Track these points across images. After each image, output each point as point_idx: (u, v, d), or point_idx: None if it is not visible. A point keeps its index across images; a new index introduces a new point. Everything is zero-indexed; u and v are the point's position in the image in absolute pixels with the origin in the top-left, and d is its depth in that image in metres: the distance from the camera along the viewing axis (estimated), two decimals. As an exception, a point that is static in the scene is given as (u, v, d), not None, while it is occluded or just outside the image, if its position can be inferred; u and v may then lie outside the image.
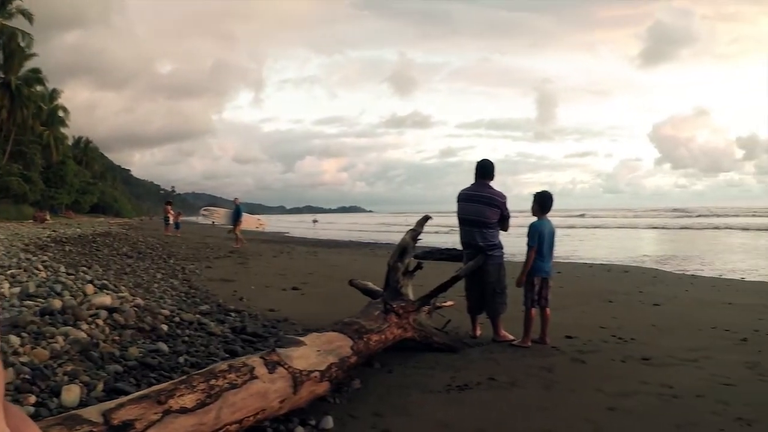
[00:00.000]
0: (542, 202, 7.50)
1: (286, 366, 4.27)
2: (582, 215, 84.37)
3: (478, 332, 7.79)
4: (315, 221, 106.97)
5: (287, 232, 59.60)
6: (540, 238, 7.33)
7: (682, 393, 5.25)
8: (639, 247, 29.82)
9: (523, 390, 5.47)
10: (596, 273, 16.96)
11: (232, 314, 8.84)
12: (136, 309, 7.24)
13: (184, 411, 3.24)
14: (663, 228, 52.33)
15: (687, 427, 4.45)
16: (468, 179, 7.85)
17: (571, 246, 29.95)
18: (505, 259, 7.84)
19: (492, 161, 7.79)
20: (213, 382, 3.58)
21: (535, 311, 7.34)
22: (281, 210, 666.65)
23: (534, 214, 7.51)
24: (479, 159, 7.95)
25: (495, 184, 7.73)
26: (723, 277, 16.07)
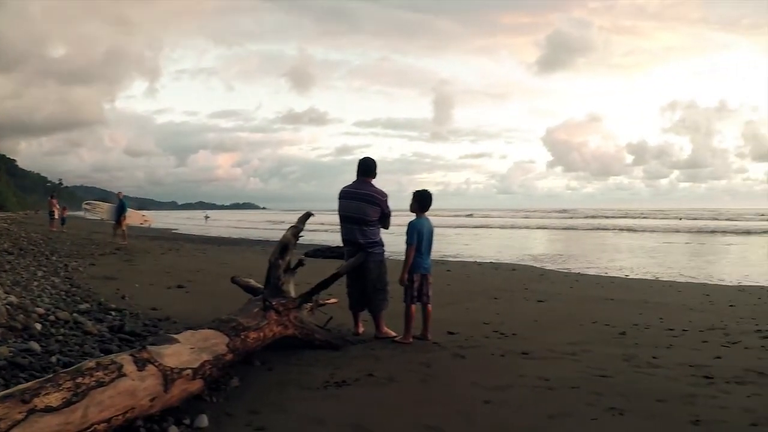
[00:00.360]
0: (422, 200, 7.56)
1: (156, 363, 4.07)
2: (470, 215, 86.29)
3: (361, 329, 7.75)
4: (207, 217, 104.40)
5: (176, 229, 57.93)
6: (419, 236, 7.37)
7: (558, 385, 5.35)
8: (527, 247, 30.79)
9: (401, 385, 5.45)
10: (485, 271, 17.34)
11: (112, 313, 8.51)
12: (8, 307, 6.85)
13: (49, 410, 3.14)
14: (552, 228, 54.25)
15: (560, 418, 4.50)
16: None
17: (461, 245, 30.56)
18: (386, 257, 7.85)
19: (374, 159, 7.79)
20: (80, 380, 3.46)
21: (415, 308, 7.34)
22: (173, 206, 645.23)
23: (413, 212, 7.55)
24: (362, 156, 7.93)
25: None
26: (607, 274, 16.80)
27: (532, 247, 31.01)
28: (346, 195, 7.69)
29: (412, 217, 7.53)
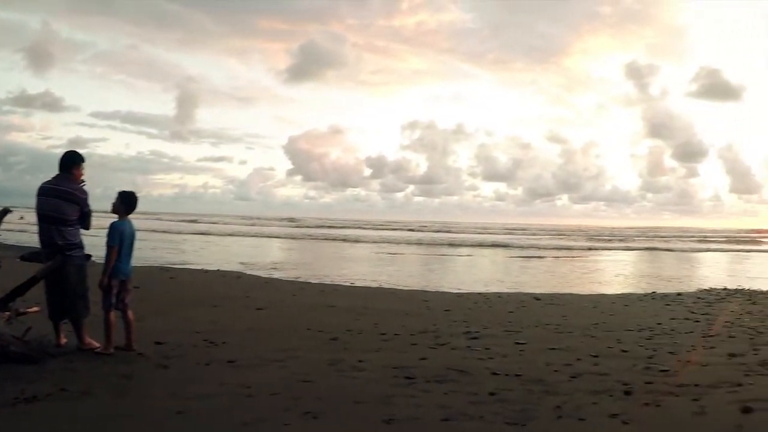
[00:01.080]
0: (129, 201, 7.28)
1: None
2: (195, 221, 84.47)
3: (63, 340, 7.18)
4: None
5: None
6: (121, 238, 7.06)
7: (259, 392, 5.45)
8: (257, 255, 30.83)
9: (96, 399, 5.22)
10: (210, 278, 17.10)
11: None
12: None
13: None
14: (285, 237, 54.99)
15: (254, 424, 4.58)
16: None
17: (189, 252, 29.86)
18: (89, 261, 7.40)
19: (79, 153, 7.29)
20: None
21: (115, 315, 7.01)
22: None
23: (116, 213, 7.23)
24: (66, 150, 7.39)
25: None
26: (333, 282, 17.40)
27: (261, 254, 31.15)
28: (43, 191, 7.07)
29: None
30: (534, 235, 74.36)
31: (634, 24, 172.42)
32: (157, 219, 76.66)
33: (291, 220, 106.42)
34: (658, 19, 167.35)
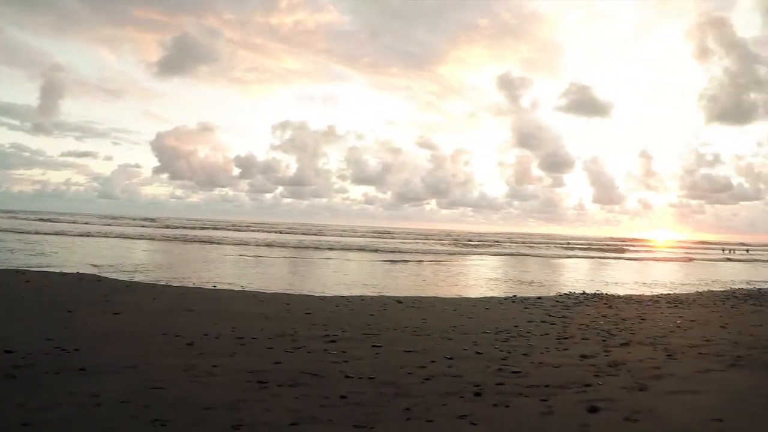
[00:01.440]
0: None
1: None
2: (51, 220, 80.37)
3: None
4: None
5: None
6: None
7: (108, 400, 5.40)
8: (119, 256, 29.82)
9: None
10: (69, 281, 16.47)
11: None
12: None
13: None
14: (149, 238, 53.23)
15: (101, 435, 4.50)
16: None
17: (45, 253, 28.49)
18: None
19: None
20: None
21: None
22: None
23: None
24: None
25: None
26: (195, 286, 17.16)
27: (123, 256, 30.12)
28: None
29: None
30: (402, 239, 75.79)
31: (510, 38, 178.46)
32: (12, 217, 73.06)
33: (152, 220, 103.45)
34: (533, 35, 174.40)
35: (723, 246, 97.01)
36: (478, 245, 64.65)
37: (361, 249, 47.38)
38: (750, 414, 5.50)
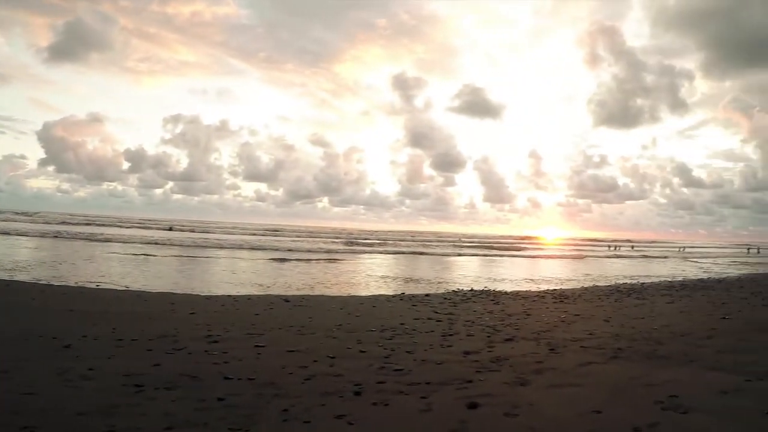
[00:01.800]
0: None
1: None
2: None
3: None
4: None
5: None
6: None
7: (-26, 408, 5.17)
8: (2, 253, 28.44)
9: None
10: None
11: None
12: None
13: None
14: (33, 234, 51.00)
15: (-38, 445, 4.39)
16: None
17: None
18: None
19: None
20: None
21: None
22: None
23: None
24: None
25: None
26: (78, 285, 16.59)
27: (3, 254, 28.78)
28: None
29: None
30: (293, 237, 75.40)
31: (406, 38, 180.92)
32: None
33: (37, 214, 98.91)
34: (430, 37, 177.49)
35: (609, 243, 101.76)
36: (369, 243, 65.07)
37: (251, 247, 46.84)
38: (629, 404, 5.82)
